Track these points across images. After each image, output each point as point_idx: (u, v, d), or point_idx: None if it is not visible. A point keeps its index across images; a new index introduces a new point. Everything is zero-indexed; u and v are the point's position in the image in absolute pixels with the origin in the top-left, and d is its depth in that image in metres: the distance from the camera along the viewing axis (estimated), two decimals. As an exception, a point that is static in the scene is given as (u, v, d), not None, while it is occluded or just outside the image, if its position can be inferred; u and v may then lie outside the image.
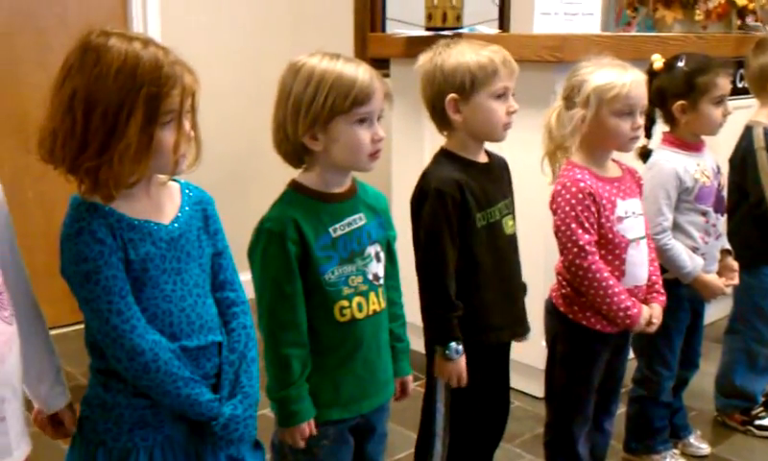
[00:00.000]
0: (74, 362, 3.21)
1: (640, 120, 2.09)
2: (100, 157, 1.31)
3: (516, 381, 2.47)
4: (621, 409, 2.63)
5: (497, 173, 2.07)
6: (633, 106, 2.05)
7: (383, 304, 1.73)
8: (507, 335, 2.09)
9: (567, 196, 2.06)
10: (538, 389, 2.99)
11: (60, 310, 3.66)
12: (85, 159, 1.31)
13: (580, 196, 2.04)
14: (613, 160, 2.20)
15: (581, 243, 2.03)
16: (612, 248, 2.09)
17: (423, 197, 1.94)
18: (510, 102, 1.95)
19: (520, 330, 2.11)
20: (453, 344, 1.91)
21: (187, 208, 1.46)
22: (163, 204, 1.43)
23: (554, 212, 2.09)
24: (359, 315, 1.66)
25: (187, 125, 1.39)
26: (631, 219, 2.12)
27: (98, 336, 1.37)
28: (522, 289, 2.14)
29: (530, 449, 2.67)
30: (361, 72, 1.59)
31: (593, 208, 2.05)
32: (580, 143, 2.12)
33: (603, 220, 2.07)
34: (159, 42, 1.38)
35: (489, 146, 2.06)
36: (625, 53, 2.62)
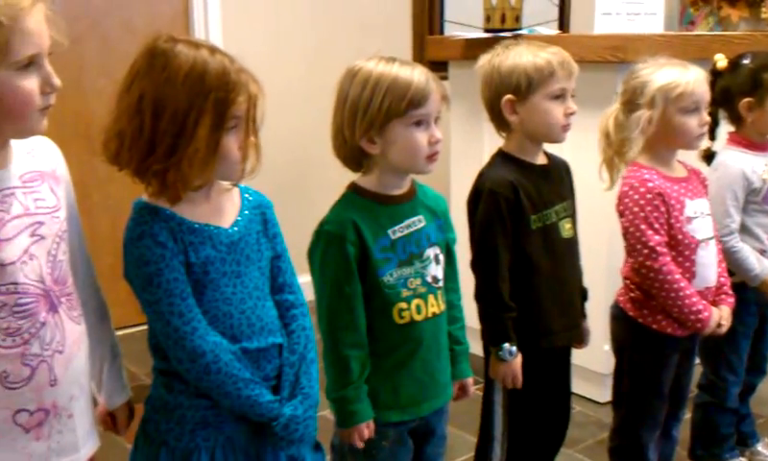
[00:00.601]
0: (138, 362, 3.27)
1: (706, 116, 2.06)
2: (168, 159, 1.33)
3: (577, 386, 2.44)
4: (686, 415, 2.58)
5: (556, 175, 2.05)
6: (698, 102, 2.03)
7: (442, 307, 1.72)
8: (560, 340, 2.07)
9: (636, 197, 2.03)
10: (600, 394, 2.96)
11: (125, 311, 3.73)
12: (153, 162, 1.33)
13: (649, 196, 2.02)
14: (678, 161, 2.16)
15: (651, 244, 2.00)
16: (683, 249, 2.05)
17: (477, 197, 1.94)
18: (568, 103, 1.93)
19: (576, 335, 2.09)
20: (506, 345, 1.90)
21: (246, 212, 1.48)
22: (223, 208, 1.45)
23: (621, 214, 2.06)
24: (418, 317, 1.66)
25: (250, 133, 1.40)
26: (700, 219, 2.08)
27: (160, 338, 1.40)
28: (582, 294, 2.12)
29: (592, 455, 2.64)
30: (417, 74, 1.59)
31: (662, 209, 2.02)
32: (644, 144, 2.09)
33: (672, 220, 2.04)
34: (224, 51, 1.40)
35: (550, 147, 2.05)
36: (689, 53, 2.58)
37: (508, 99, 1.92)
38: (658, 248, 2.01)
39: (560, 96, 1.92)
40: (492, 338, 1.94)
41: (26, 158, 1.31)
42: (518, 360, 1.92)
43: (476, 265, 1.94)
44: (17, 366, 1.25)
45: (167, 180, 1.34)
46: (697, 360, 2.36)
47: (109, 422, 1.56)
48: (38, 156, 1.34)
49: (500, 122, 1.98)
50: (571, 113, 1.94)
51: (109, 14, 3.58)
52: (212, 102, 1.32)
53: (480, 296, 1.94)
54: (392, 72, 1.59)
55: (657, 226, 2.02)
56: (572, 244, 2.05)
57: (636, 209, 2.02)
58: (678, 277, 2.02)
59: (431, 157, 1.63)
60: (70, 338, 1.32)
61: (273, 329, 1.48)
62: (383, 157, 1.64)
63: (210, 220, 1.42)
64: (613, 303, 2.21)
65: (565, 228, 2.02)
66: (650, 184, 2.03)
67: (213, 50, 1.38)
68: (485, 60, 1.99)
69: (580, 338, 2.11)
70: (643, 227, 2.01)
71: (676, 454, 2.35)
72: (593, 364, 2.89)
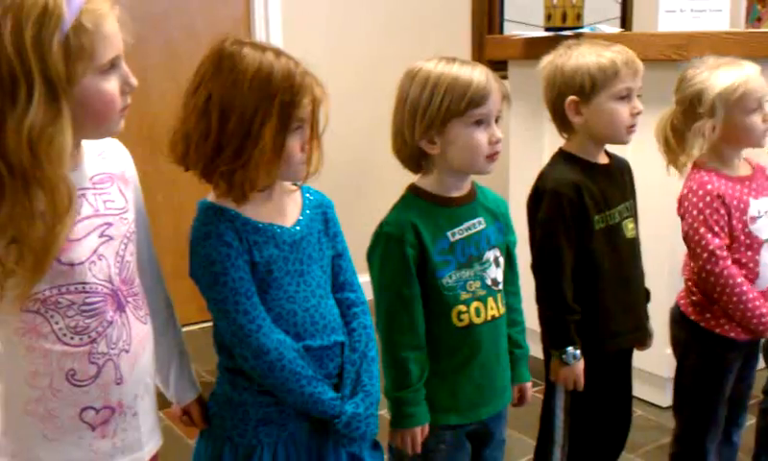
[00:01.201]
0: (200, 360, 3.32)
1: None
2: (235, 161, 1.35)
3: (638, 390, 2.40)
4: (750, 421, 2.52)
5: (618, 175, 2.02)
6: (759, 99, 1.99)
7: (502, 310, 1.71)
8: (626, 342, 2.04)
9: (695, 200, 2.00)
10: (661, 398, 2.91)
11: (187, 309, 3.79)
12: (221, 163, 1.36)
13: (708, 199, 1.98)
14: (745, 159, 2.12)
15: (711, 248, 1.97)
16: (746, 250, 2.01)
17: (539, 197, 1.92)
18: (634, 103, 1.90)
19: (640, 337, 2.06)
20: (570, 349, 1.88)
21: (308, 212, 1.49)
22: (286, 207, 1.47)
23: (682, 217, 2.03)
24: (477, 320, 1.66)
25: (314, 135, 1.42)
26: (764, 218, 2.03)
27: (226, 336, 1.42)
28: (645, 295, 2.08)
29: (653, 460, 2.59)
30: (477, 74, 1.59)
31: (723, 211, 1.98)
32: (714, 146, 2.05)
33: (734, 222, 2.00)
34: (289, 54, 1.42)
35: (611, 146, 2.02)
36: (756, 50, 2.52)
37: (572, 100, 1.90)
38: (717, 251, 1.97)
39: (625, 96, 1.89)
40: (554, 341, 1.92)
41: (96, 160, 1.34)
42: (581, 363, 1.90)
43: (538, 267, 1.92)
44: (84, 364, 1.28)
45: (234, 181, 1.36)
46: (762, 364, 2.30)
47: (187, 419, 1.58)
48: (108, 158, 1.37)
49: (563, 123, 1.96)
50: (637, 113, 1.91)
51: (172, 18, 3.64)
52: (278, 104, 1.34)
53: (542, 298, 1.92)
54: (452, 72, 1.59)
55: (716, 229, 1.98)
56: (635, 244, 2.03)
57: (695, 212, 1.99)
58: (740, 280, 1.98)
59: (491, 157, 1.62)
60: (136, 337, 1.34)
61: (335, 327, 1.49)
62: (443, 158, 1.63)
63: (274, 219, 1.43)
64: (674, 305, 2.17)
65: (628, 228, 2.00)
66: (709, 187, 1.99)
67: (279, 53, 1.39)
68: (547, 60, 1.97)
69: (644, 340, 2.08)
70: (703, 230, 1.97)
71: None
72: (655, 367, 2.85)
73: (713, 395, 2.10)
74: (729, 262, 1.98)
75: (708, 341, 2.07)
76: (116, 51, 1.23)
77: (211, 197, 1.43)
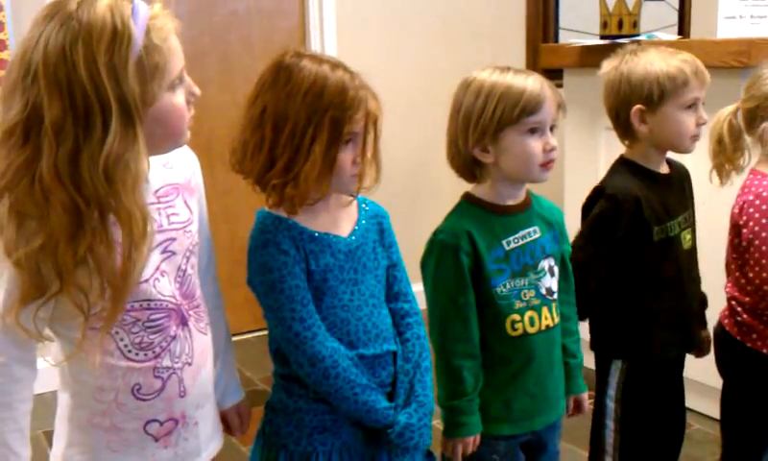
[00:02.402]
0: (253, 368, 3.38)
1: None
2: (286, 175, 1.37)
3: (695, 402, 2.35)
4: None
5: (678, 184, 1.99)
6: None
7: (556, 320, 1.70)
8: (673, 351, 2.01)
9: (764, 207, 1.91)
10: (718, 411, 2.84)
11: (241, 318, 3.85)
12: (273, 176, 1.38)
13: None
14: None
15: None
16: None
17: (594, 201, 1.89)
18: (700, 112, 1.88)
19: (691, 347, 2.03)
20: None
21: (364, 222, 1.50)
22: (342, 217, 1.48)
23: (744, 225, 1.94)
24: (531, 330, 1.65)
25: (368, 149, 1.43)
26: None
27: (282, 343, 1.43)
28: (702, 302, 2.05)
29: (711, 475, 2.54)
30: (530, 82, 1.59)
31: None
32: (765, 154, 1.99)
33: None
34: (348, 67, 1.42)
35: (671, 154, 1.99)
36: (819, 56, 2.46)
37: (638, 109, 1.86)
38: None
39: (691, 105, 1.86)
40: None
41: (161, 171, 1.35)
42: None
43: (580, 269, 1.85)
44: (149, 379, 1.29)
45: (285, 194, 1.38)
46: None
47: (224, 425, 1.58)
48: (175, 167, 1.38)
49: (626, 131, 1.93)
50: (703, 123, 1.88)
51: (230, 31, 3.70)
52: (329, 119, 1.35)
53: (593, 302, 1.89)
54: (505, 80, 1.59)
55: None
56: (692, 254, 1.99)
57: (763, 220, 1.91)
58: None
59: (546, 166, 1.61)
60: (198, 349, 1.36)
61: (388, 337, 1.50)
62: (497, 167, 1.63)
63: (330, 229, 1.45)
64: (717, 324, 2.11)
65: (686, 239, 1.96)
66: None
67: (336, 65, 1.40)
68: (611, 66, 1.94)
69: (700, 347, 2.05)
70: None
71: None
72: (712, 380, 2.78)
73: (761, 418, 2.04)
74: None
75: (754, 362, 2.00)
76: (182, 63, 1.23)
77: (267, 207, 1.45)
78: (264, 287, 1.40)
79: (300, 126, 1.35)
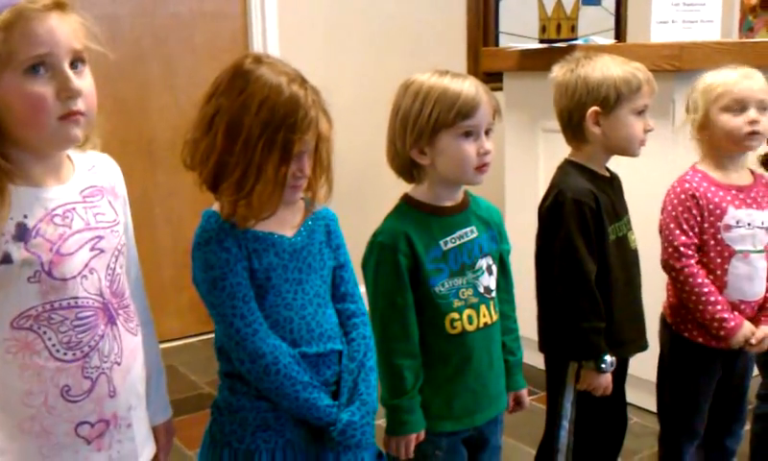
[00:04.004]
0: (198, 371, 3.36)
1: (754, 114, 2.02)
2: (238, 192, 1.38)
3: (635, 397, 2.41)
4: (746, 427, 2.53)
5: (618, 188, 2.06)
6: (742, 100, 2.02)
7: (495, 317, 1.74)
8: (633, 350, 2.07)
9: (672, 196, 2.07)
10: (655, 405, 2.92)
11: (186, 321, 3.84)
12: (226, 189, 1.39)
13: (682, 197, 2.05)
14: (750, 170, 2.15)
15: (676, 243, 2.03)
16: (714, 256, 2.05)
17: (558, 206, 1.91)
18: (647, 119, 1.94)
19: (642, 346, 2.09)
20: (608, 356, 1.89)
21: (310, 223, 1.52)
22: (287, 218, 1.49)
23: (661, 212, 2.10)
24: (470, 327, 1.68)
25: (318, 165, 1.45)
26: (743, 230, 2.05)
27: (224, 340, 1.44)
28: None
29: (649, 466, 2.61)
30: (467, 86, 1.62)
31: (695, 211, 2.03)
32: (707, 150, 2.11)
33: (706, 225, 2.03)
34: (306, 80, 1.42)
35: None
36: (747, 59, 2.54)
37: (594, 111, 1.91)
38: (682, 248, 2.02)
39: (642, 112, 1.93)
40: (586, 351, 1.90)
41: (86, 174, 1.35)
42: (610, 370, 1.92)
43: (562, 278, 1.90)
44: (78, 379, 1.28)
45: (237, 212, 1.39)
46: (756, 372, 2.32)
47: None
48: (99, 172, 1.38)
49: (575, 133, 1.97)
50: (649, 130, 1.95)
51: (172, 33, 3.67)
52: (281, 139, 1.36)
53: (566, 309, 1.91)
54: (442, 83, 1.62)
55: (686, 227, 2.03)
56: (637, 255, 2.05)
57: (669, 208, 2.07)
58: (701, 281, 2.01)
59: (480, 169, 1.65)
60: (127, 349, 1.35)
61: (332, 336, 1.51)
62: (433, 168, 1.66)
63: (274, 229, 1.46)
64: (662, 312, 2.21)
65: (631, 239, 2.03)
66: (686, 185, 2.05)
67: (293, 79, 1.40)
68: (566, 68, 1.98)
69: (644, 348, 2.10)
70: (672, 225, 2.04)
71: (735, 466, 2.32)
72: (651, 374, 2.86)
73: (686, 398, 2.14)
74: (692, 262, 2.02)
75: (680, 345, 2.11)
76: (45, 49, 1.20)
77: (216, 207, 1.46)
78: (206, 285, 1.42)
79: (253, 141, 1.36)
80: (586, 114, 1.92)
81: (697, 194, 2.03)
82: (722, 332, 2.02)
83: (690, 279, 2.01)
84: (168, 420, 1.57)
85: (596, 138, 1.94)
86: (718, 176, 2.08)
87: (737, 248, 2.05)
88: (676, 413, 2.17)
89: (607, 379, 1.93)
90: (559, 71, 2.00)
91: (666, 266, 2.06)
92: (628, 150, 1.96)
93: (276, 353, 1.41)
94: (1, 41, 1.18)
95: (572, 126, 1.98)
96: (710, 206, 2.03)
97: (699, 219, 2.03)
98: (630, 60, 1.98)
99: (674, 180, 2.12)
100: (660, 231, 2.09)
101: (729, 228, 2.04)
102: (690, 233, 2.03)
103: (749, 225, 2.06)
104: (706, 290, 2.01)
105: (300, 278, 1.47)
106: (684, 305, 2.08)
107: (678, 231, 2.03)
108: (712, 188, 2.05)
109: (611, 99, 1.90)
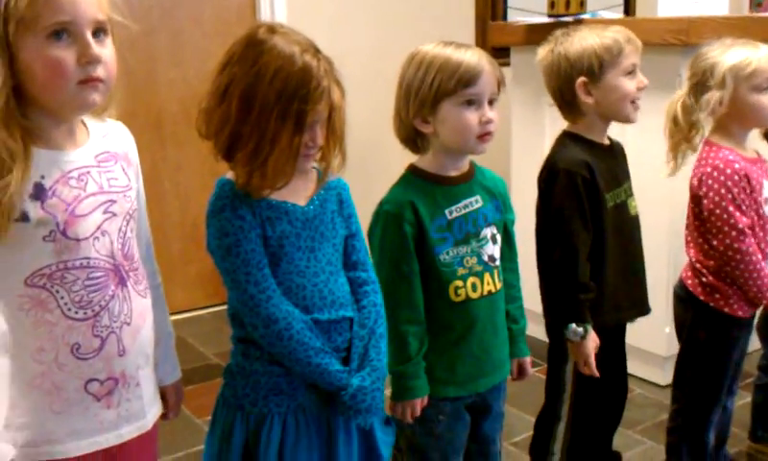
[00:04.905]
0: (206, 343, 3.40)
1: None
2: (253, 161, 1.39)
3: (637, 368, 2.44)
4: (747, 398, 2.56)
5: (620, 155, 2.08)
6: None
7: (499, 286, 1.76)
8: (631, 316, 2.09)
9: (722, 178, 2.02)
10: (660, 376, 2.95)
11: (194, 294, 3.87)
12: (240, 160, 1.40)
13: (736, 177, 2.01)
14: None
15: (740, 226, 2.00)
16: (758, 230, 2.05)
17: (552, 178, 1.94)
18: (639, 77, 1.95)
19: (641, 312, 2.11)
20: (573, 325, 1.90)
21: (322, 192, 1.54)
22: (300, 187, 1.51)
23: (705, 196, 2.03)
24: (473, 295, 1.70)
25: (331, 134, 1.46)
26: None
27: (237, 306, 1.47)
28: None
29: (652, 436, 2.64)
30: (469, 55, 1.64)
31: (748, 190, 2.02)
32: (716, 126, 2.10)
33: (752, 202, 2.03)
34: (319, 50, 1.43)
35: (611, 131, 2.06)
36: (755, 35, 2.54)
37: (582, 81, 1.93)
38: (746, 230, 2.00)
39: (631, 72, 1.94)
40: (563, 318, 1.93)
41: (101, 140, 1.38)
42: (589, 343, 1.92)
43: (553, 245, 1.94)
44: (88, 337, 1.32)
45: (252, 182, 1.41)
46: (755, 343, 2.35)
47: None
48: (113, 138, 1.41)
49: (571, 108, 1.99)
50: (643, 87, 1.96)
51: (179, 6, 3.69)
52: (294, 109, 1.37)
53: (555, 276, 1.94)
54: (445, 53, 1.64)
55: (744, 207, 2.01)
56: (638, 221, 2.07)
57: (722, 191, 2.01)
58: (759, 257, 2.03)
59: (482, 138, 1.66)
60: (137, 310, 1.38)
61: (344, 303, 1.53)
62: (436, 137, 1.68)
63: (287, 198, 1.47)
64: (679, 285, 2.21)
65: (632, 205, 2.04)
66: (736, 166, 2.02)
67: (306, 48, 1.41)
68: (545, 50, 2.01)
69: (644, 313, 2.12)
70: (731, 208, 2.00)
71: (736, 436, 2.34)
72: (654, 346, 2.89)
73: (721, 371, 2.14)
74: (752, 240, 2.02)
75: (717, 320, 2.11)
76: (69, 16, 1.23)
77: (230, 175, 1.47)
78: (221, 251, 1.44)
79: (267, 111, 1.37)
80: (575, 88, 1.94)
81: (747, 172, 2.02)
82: None
83: (753, 258, 2.01)
84: (177, 380, 1.60)
85: (590, 108, 1.96)
86: (741, 151, 2.08)
87: None
88: (707, 385, 2.16)
89: (579, 350, 1.92)
90: (541, 54, 2.02)
91: (728, 249, 2.01)
92: (622, 113, 1.97)
93: (290, 319, 1.44)
94: (26, 5, 1.20)
95: (566, 102, 2.00)
96: (754, 183, 2.03)
97: (750, 198, 2.03)
98: (635, 32, 1.99)
99: (699, 156, 2.10)
100: (711, 216, 2.03)
101: (766, 201, 2.06)
102: (748, 213, 2.02)
103: None
104: (759, 266, 2.02)
105: (312, 246, 1.49)
106: (727, 282, 2.07)
107: (738, 214, 2.00)
108: (748, 164, 2.05)
109: (594, 67, 1.92)
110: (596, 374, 1.94)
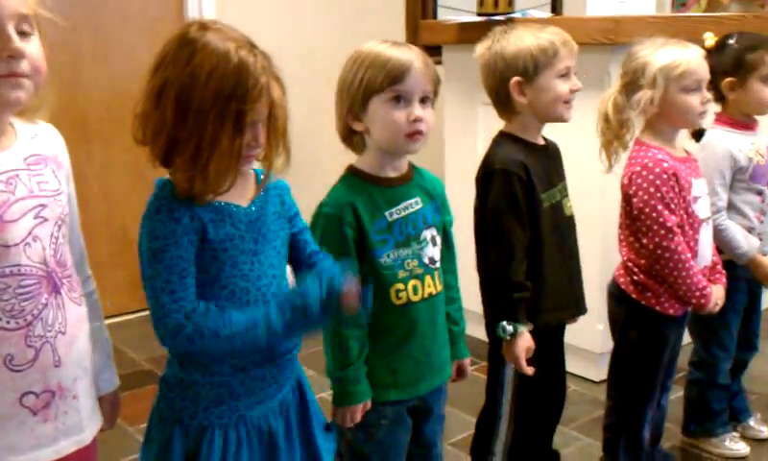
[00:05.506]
0: (137, 349, 3.32)
1: (707, 94, 2.09)
2: (194, 167, 1.32)
3: (572, 365, 2.45)
4: (679, 393, 2.62)
5: (555, 155, 2.09)
6: (700, 80, 2.06)
7: (439, 288, 1.75)
8: (568, 315, 2.11)
9: (651, 177, 2.04)
10: (594, 373, 3.00)
11: (124, 298, 3.78)
12: (180, 166, 1.33)
13: (664, 176, 2.04)
14: None
15: (669, 224, 2.03)
16: (688, 228, 2.09)
17: (489, 177, 1.94)
18: (573, 80, 1.97)
19: (580, 310, 2.13)
20: (504, 323, 1.90)
21: (263, 193, 1.49)
22: (241, 189, 1.45)
23: (634, 195, 2.06)
24: (414, 298, 1.69)
25: (272, 134, 1.40)
26: (702, 198, 2.12)
27: (152, 316, 1.38)
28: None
29: (588, 432, 2.68)
30: (398, 52, 1.62)
31: (677, 189, 2.05)
32: (646, 125, 2.13)
33: (681, 200, 2.06)
34: (255, 46, 1.38)
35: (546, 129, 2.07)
36: (680, 34, 2.59)
37: (516, 81, 1.93)
38: (674, 228, 2.03)
39: (565, 74, 1.95)
40: (495, 317, 1.92)
41: (30, 142, 1.32)
42: (522, 342, 1.91)
43: (490, 245, 1.94)
44: (22, 348, 1.26)
45: (195, 188, 1.33)
46: (687, 339, 2.39)
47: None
48: (42, 141, 1.35)
49: (506, 107, 2.00)
50: (577, 90, 1.97)
51: (104, 3, 3.59)
52: (233, 109, 1.31)
53: (491, 275, 1.94)
54: (377, 50, 1.63)
55: (672, 206, 2.04)
56: (573, 221, 2.09)
57: (651, 189, 2.04)
58: (688, 255, 2.05)
59: (412, 136, 1.63)
60: (72, 319, 1.33)
61: None
62: (369, 136, 1.67)
63: (230, 199, 1.42)
64: (612, 283, 2.24)
65: (567, 206, 2.06)
66: (665, 164, 2.04)
67: (241, 45, 1.34)
68: (483, 47, 2.01)
69: (581, 313, 2.14)
70: (660, 207, 2.03)
71: (669, 431, 2.39)
72: (588, 343, 2.93)
73: (653, 367, 2.18)
74: (681, 239, 2.04)
75: (648, 318, 2.14)
76: None
77: (170, 176, 1.40)
78: (148, 255, 1.36)
79: (204, 113, 1.31)
80: (509, 87, 1.95)
81: (675, 171, 2.05)
82: (702, 300, 2.08)
83: (682, 256, 2.03)
84: (115, 390, 1.55)
85: (524, 108, 1.97)
86: (671, 150, 2.11)
87: (702, 217, 2.11)
88: (641, 383, 2.19)
89: (511, 349, 1.91)
90: (479, 50, 2.03)
91: (657, 247, 2.04)
92: (555, 113, 1.98)
93: (196, 319, 1.34)
94: None
95: (501, 101, 2.00)
96: (682, 181, 2.06)
97: (679, 196, 2.06)
98: (565, 30, 2.00)
99: (630, 155, 2.13)
100: (640, 215, 2.05)
101: (695, 199, 2.09)
102: (677, 212, 2.05)
103: (703, 193, 2.12)
104: (688, 264, 2.05)
105: (255, 248, 1.44)
106: (658, 280, 2.10)
107: (667, 212, 2.03)
108: (677, 163, 2.08)
109: (529, 68, 1.93)
110: (528, 372, 1.94)
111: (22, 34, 1.22)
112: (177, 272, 1.35)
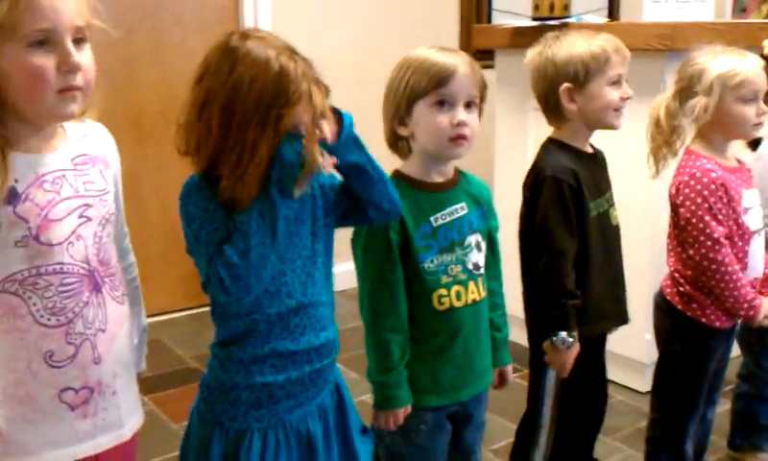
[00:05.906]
0: (184, 347, 3.36)
1: (763, 106, 2.05)
2: (234, 173, 1.32)
3: (618, 375, 2.44)
4: (726, 406, 2.56)
5: (602, 163, 2.07)
6: (757, 91, 2.02)
7: (483, 294, 1.74)
8: (611, 324, 2.09)
9: (698, 187, 2.00)
10: (640, 383, 2.95)
11: (173, 296, 3.83)
12: (223, 175, 1.33)
13: (713, 187, 2.00)
14: None
15: (716, 236, 1.98)
16: (738, 240, 2.04)
17: (539, 185, 1.93)
18: (624, 88, 1.95)
19: (623, 320, 2.10)
20: (563, 333, 1.88)
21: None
22: None
23: (681, 205, 2.02)
24: (457, 304, 1.68)
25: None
26: (754, 209, 2.07)
27: (206, 286, 1.37)
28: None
29: (631, 444, 2.63)
30: (445, 56, 1.62)
31: (725, 199, 2.01)
32: (698, 134, 2.09)
33: (731, 211, 2.02)
34: (296, 52, 1.38)
35: (595, 137, 2.05)
36: (739, 41, 2.55)
37: (566, 87, 1.92)
38: (722, 239, 1.99)
39: (616, 82, 1.93)
40: (550, 325, 1.91)
41: (79, 143, 1.36)
42: (573, 351, 1.91)
43: (539, 252, 1.92)
44: (62, 344, 1.29)
45: (236, 195, 1.33)
46: (736, 351, 2.34)
47: None
48: (91, 141, 1.38)
49: (555, 113, 1.99)
50: (627, 98, 1.95)
51: (160, 6, 3.65)
52: (273, 115, 1.32)
53: (542, 284, 1.92)
54: (424, 54, 1.63)
55: (720, 217, 2.00)
56: (618, 231, 2.06)
57: (699, 200, 2.00)
58: (737, 267, 2.01)
59: (456, 141, 1.63)
60: (112, 317, 1.36)
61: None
62: (414, 141, 1.67)
63: None
64: (658, 294, 2.20)
65: (614, 215, 2.04)
66: (713, 175, 2.00)
67: (281, 51, 1.35)
68: (535, 52, 2.00)
69: (624, 323, 2.12)
70: (707, 218, 1.99)
71: (714, 444, 2.34)
72: (635, 353, 2.89)
73: (697, 380, 2.14)
74: (729, 250, 2.00)
75: (693, 330, 2.10)
76: (50, 24, 1.21)
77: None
78: (189, 237, 1.37)
79: (246, 121, 1.31)
80: (559, 93, 1.93)
81: (724, 181, 2.01)
82: (751, 312, 2.04)
83: (729, 268, 1.99)
84: (139, 373, 1.55)
85: (574, 115, 1.95)
86: (722, 160, 2.07)
87: (753, 228, 2.07)
88: (685, 396, 2.15)
89: (563, 357, 1.91)
90: (530, 55, 2.01)
91: (704, 259, 2.00)
92: (605, 121, 1.96)
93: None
94: (6, 12, 1.18)
95: (550, 107, 1.99)
96: (732, 192, 2.02)
97: (728, 207, 2.02)
98: (621, 36, 1.98)
99: (679, 164, 2.09)
100: (687, 226, 2.01)
101: (746, 210, 2.05)
102: (725, 223, 2.01)
103: (755, 204, 2.08)
104: (736, 276, 2.01)
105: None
106: (704, 292, 2.06)
107: (714, 223, 1.99)
108: (726, 173, 2.04)
109: (580, 75, 1.91)
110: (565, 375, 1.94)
111: (76, 42, 1.25)
112: (214, 243, 1.35)
